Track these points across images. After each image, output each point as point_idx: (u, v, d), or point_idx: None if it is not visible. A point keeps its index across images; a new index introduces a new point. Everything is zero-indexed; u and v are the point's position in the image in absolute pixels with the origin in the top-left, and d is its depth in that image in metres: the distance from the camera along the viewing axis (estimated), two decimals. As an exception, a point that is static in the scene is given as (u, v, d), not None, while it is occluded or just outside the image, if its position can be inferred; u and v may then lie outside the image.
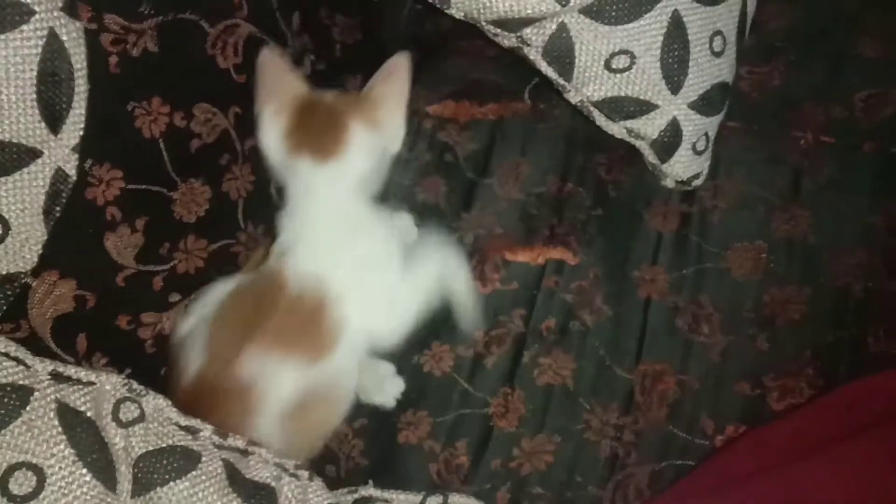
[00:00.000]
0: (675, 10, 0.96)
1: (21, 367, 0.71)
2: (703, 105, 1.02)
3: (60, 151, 0.79)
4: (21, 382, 0.69)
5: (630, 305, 1.07)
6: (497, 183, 1.20)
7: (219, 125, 1.02)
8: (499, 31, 0.95)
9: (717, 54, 1.02)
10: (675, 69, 0.99)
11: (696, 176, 1.09)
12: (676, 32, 0.97)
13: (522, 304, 1.09)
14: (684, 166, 1.06)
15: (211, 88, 1.00)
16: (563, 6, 0.92)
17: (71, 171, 0.81)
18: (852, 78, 1.16)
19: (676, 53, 0.98)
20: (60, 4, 0.75)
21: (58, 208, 0.81)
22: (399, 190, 1.20)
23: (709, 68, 1.01)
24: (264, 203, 1.12)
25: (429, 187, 1.21)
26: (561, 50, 0.95)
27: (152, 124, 0.92)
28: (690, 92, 1.01)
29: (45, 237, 0.80)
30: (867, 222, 1.06)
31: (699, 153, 1.07)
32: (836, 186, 1.09)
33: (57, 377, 0.72)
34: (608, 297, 1.08)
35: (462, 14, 0.93)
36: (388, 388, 1.03)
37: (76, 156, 0.81)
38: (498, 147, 1.23)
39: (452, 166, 1.23)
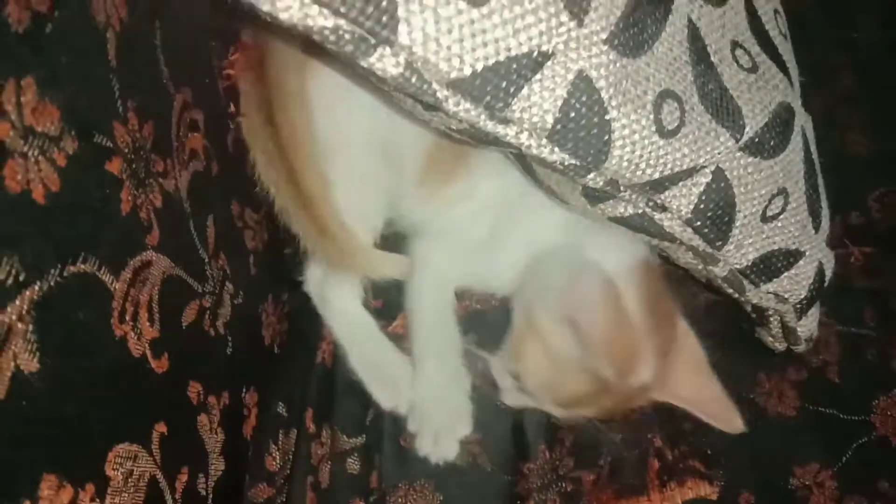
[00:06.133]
0: (802, 126, 0.72)
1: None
2: (829, 238, 0.78)
3: None
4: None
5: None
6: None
7: (143, 475, 0.49)
8: (633, 196, 0.60)
9: (819, 173, 0.79)
10: (814, 199, 0.72)
11: (816, 327, 0.83)
12: (808, 154, 0.72)
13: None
14: (813, 319, 0.79)
15: (126, 408, 0.48)
16: (738, 140, 0.61)
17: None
18: (856, 179, 1.03)
19: (812, 179, 0.72)
20: None
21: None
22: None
23: (823, 188, 0.78)
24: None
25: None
26: (718, 207, 0.62)
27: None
28: (825, 223, 0.75)
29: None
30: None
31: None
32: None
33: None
34: (782, 531, 0.75)
35: (603, 181, 0.56)
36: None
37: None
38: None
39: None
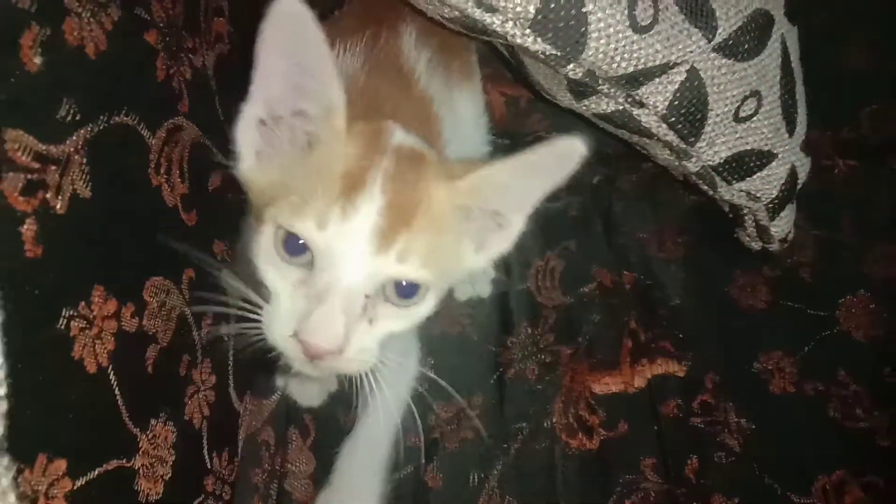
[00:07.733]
0: (783, 34, 0.76)
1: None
2: (805, 143, 0.83)
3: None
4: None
5: (770, 410, 0.83)
6: (534, 288, 0.89)
7: (174, 308, 0.58)
8: (613, 91, 0.66)
9: (800, 81, 0.84)
10: (789, 105, 0.78)
11: (792, 229, 0.89)
12: (787, 62, 0.77)
13: (649, 450, 0.80)
14: (787, 221, 0.86)
15: (161, 247, 0.57)
16: (710, 41, 0.66)
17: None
18: (851, 95, 1.07)
19: (788, 86, 0.77)
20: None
21: None
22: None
23: (803, 97, 0.83)
24: (225, 414, 0.73)
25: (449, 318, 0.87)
26: (691, 104, 0.68)
27: (97, 343, 0.46)
28: (800, 129, 0.80)
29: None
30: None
31: (793, 201, 0.87)
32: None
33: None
34: (742, 408, 0.83)
35: (581, 72, 0.62)
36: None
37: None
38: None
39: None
